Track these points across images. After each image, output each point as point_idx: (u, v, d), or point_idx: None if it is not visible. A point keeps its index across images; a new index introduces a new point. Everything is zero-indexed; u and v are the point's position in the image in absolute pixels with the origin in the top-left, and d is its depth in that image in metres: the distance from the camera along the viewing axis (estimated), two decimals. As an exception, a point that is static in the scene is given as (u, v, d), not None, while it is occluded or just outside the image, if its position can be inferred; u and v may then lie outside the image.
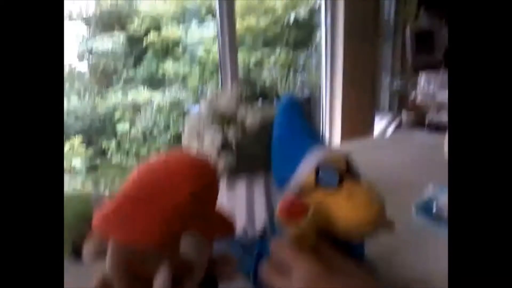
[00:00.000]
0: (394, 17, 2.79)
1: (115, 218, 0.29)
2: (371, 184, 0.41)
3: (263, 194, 0.58)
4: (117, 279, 0.29)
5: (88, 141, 2.69)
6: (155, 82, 2.95)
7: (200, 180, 0.31)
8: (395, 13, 2.78)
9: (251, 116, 0.50)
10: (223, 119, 0.53)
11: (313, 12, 2.65)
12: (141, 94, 2.88)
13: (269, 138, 0.53)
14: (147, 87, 2.90)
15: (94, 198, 0.59)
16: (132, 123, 2.82)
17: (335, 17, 2.38)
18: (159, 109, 2.85)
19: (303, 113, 0.49)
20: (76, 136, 2.59)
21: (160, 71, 2.95)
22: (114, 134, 2.74)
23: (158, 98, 2.86)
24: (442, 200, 0.59)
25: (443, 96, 2.03)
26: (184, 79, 2.96)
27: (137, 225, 0.29)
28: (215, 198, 0.34)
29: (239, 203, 0.59)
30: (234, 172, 0.57)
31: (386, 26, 2.81)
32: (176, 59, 2.98)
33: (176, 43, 2.93)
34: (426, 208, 0.63)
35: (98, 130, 2.74)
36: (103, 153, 2.74)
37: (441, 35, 2.27)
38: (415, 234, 0.60)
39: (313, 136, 0.47)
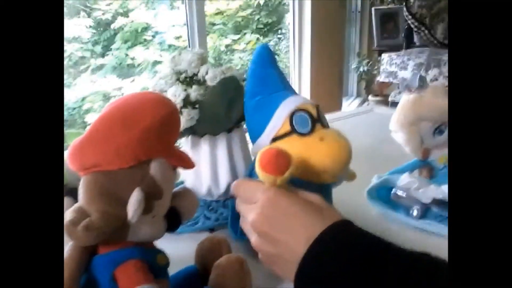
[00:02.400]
0: (361, 1, 2.86)
1: (89, 145, 0.32)
2: (338, 130, 0.45)
3: (227, 154, 0.61)
4: (94, 207, 0.31)
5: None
6: (125, 70, 2.90)
7: (168, 107, 0.35)
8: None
9: (212, 73, 0.53)
10: (185, 78, 0.55)
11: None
12: (111, 82, 2.83)
13: (230, 100, 0.56)
14: (116, 76, 2.84)
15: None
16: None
17: (302, 1, 2.41)
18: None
19: (275, 62, 0.50)
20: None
21: (129, 59, 2.90)
22: (84, 126, 2.69)
23: (128, 86, 2.82)
24: (398, 184, 0.59)
25: (404, 75, 2.12)
26: (154, 66, 2.92)
27: (110, 148, 0.32)
28: (177, 131, 0.37)
29: (203, 163, 0.61)
30: (198, 132, 0.59)
31: (352, 10, 2.88)
32: (146, 45, 2.93)
33: (145, 29, 2.89)
34: (379, 194, 0.62)
35: (67, 122, 2.69)
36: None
37: (403, 17, 2.35)
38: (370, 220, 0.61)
39: (286, 86, 0.49)
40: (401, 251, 0.32)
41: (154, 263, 0.35)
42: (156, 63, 2.88)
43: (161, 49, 2.91)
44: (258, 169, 0.37)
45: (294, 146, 0.43)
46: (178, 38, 2.87)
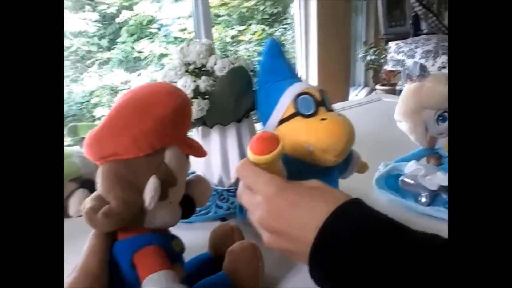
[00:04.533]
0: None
1: (106, 135, 0.33)
2: (342, 113, 0.46)
3: (236, 144, 0.62)
4: (112, 194, 0.33)
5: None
6: (131, 63, 2.90)
7: (180, 97, 0.36)
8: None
9: (220, 64, 0.53)
10: (194, 69, 0.56)
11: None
12: (118, 76, 2.84)
13: (239, 90, 0.57)
14: (123, 69, 2.85)
15: (75, 155, 0.61)
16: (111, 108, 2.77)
17: (308, -10, 2.39)
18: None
19: (283, 53, 0.53)
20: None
21: (136, 52, 2.91)
22: (93, 120, 2.71)
23: (135, 80, 2.83)
24: (405, 172, 0.59)
25: (413, 67, 2.10)
26: (160, 58, 2.93)
27: (126, 137, 0.33)
28: (190, 120, 0.38)
29: (214, 153, 0.62)
30: (208, 123, 0.60)
31: (358, -1, 2.85)
32: (151, 38, 2.93)
33: (150, 22, 2.89)
34: (386, 182, 0.63)
35: (76, 117, 2.70)
36: (82, 140, 2.70)
37: (409, 4, 2.32)
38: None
39: (293, 74, 0.52)
40: (407, 228, 0.32)
41: (170, 248, 0.36)
42: (162, 56, 2.89)
43: (167, 41, 2.91)
44: (248, 152, 0.38)
45: (298, 127, 0.45)
46: (183, 30, 2.87)
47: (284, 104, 0.47)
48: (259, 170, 0.38)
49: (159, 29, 2.90)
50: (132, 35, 2.88)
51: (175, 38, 2.88)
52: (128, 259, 0.33)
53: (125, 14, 2.79)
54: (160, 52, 2.89)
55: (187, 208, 0.38)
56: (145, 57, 2.88)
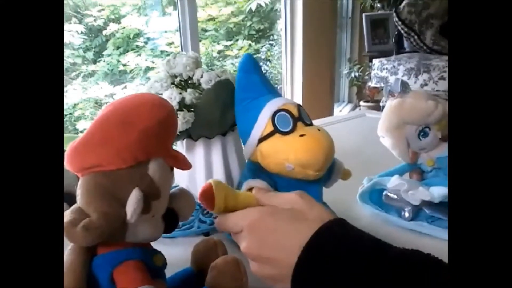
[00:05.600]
0: (352, 7, 2.89)
1: (88, 146, 0.32)
2: (321, 127, 0.47)
3: (221, 157, 0.62)
4: (93, 207, 0.32)
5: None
6: (116, 76, 2.89)
7: (165, 108, 0.35)
8: (352, 3, 2.88)
9: (207, 76, 0.53)
10: (180, 81, 0.56)
11: (275, 1, 2.69)
12: (102, 89, 2.81)
13: (225, 103, 0.57)
14: (108, 82, 2.83)
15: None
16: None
17: (294, 7, 2.44)
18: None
19: (260, 69, 0.53)
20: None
21: (121, 65, 2.89)
22: (75, 133, 2.67)
23: (120, 93, 2.81)
24: (388, 187, 0.60)
25: (395, 84, 2.15)
26: (146, 72, 2.92)
27: (110, 148, 0.32)
28: (175, 132, 0.37)
29: (198, 166, 0.62)
30: (193, 135, 0.60)
31: (343, 17, 2.91)
32: (138, 52, 2.93)
33: (137, 35, 2.89)
34: (370, 196, 0.64)
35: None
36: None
37: (393, 23, 2.38)
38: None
39: (270, 90, 0.52)
40: (389, 245, 0.32)
41: (151, 263, 0.35)
42: (148, 69, 2.88)
43: (153, 55, 2.91)
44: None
45: (277, 145, 0.46)
46: (170, 44, 2.88)
47: (263, 122, 0.47)
48: (233, 215, 0.39)
49: (146, 42, 2.90)
50: (118, 48, 2.87)
51: (162, 52, 2.89)
52: (108, 274, 0.32)
53: (112, 27, 2.79)
54: (146, 66, 2.88)
55: (170, 222, 0.37)
56: (131, 70, 2.87)
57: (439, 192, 0.54)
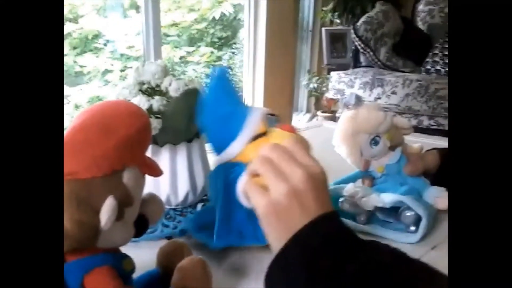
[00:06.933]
0: (312, 21, 2.99)
1: (66, 151, 0.32)
2: None
3: (186, 164, 0.63)
4: (68, 215, 0.32)
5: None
6: (72, 77, 2.79)
7: (143, 117, 0.36)
8: (313, 17, 2.97)
9: (175, 85, 0.55)
10: (148, 88, 0.57)
11: (238, 10, 2.73)
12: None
13: (192, 111, 0.59)
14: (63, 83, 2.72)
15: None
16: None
17: (257, 17, 2.49)
18: (77, 108, 2.70)
19: (232, 84, 0.56)
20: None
21: (78, 66, 2.80)
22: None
23: (76, 95, 2.71)
24: (344, 194, 0.63)
25: (349, 97, 2.26)
26: (104, 75, 2.84)
27: (87, 156, 0.33)
28: (150, 140, 0.38)
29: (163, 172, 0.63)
30: (159, 141, 0.61)
31: (304, 30, 3.01)
32: (96, 53, 2.85)
33: (96, 36, 2.81)
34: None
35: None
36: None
37: (350, 38, 2.50)
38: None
39: (242, 102, 0.55)
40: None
41: (121, 268, 0.36)
42: (106, 72, 2.81)
43: (112, 58, 2.84)
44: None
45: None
46: (131, 47, 2.83)
47: (255, 123, 0.51)
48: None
49: (105, 44, 2.83)
50: (75, 48, 2.77)
51: (122, 55, 2.83)
52: (79, 282, 0.33)
53: (69, 27, 2.69)
54: (105, 68, 2.81)
55: (141, 227, 0.38)
56: (88, 72, 2.78)
57: (389, 198, 0.59)
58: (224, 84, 0.54)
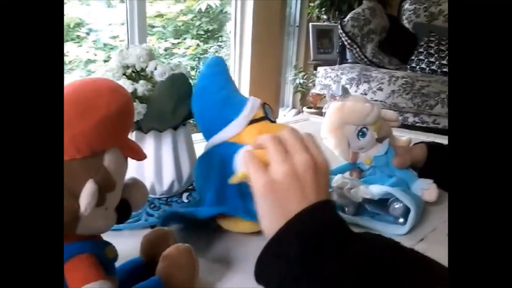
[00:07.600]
0: (299, 16, 2.99)
1: None
2: None
3: (171, 151, 0.61)
4: None
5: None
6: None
7: (125, 97, 0.34)
8: (300, 13, 2.97)
9: (161, 69, 0.53)
10: (132, 72, 0.55)
11: (225, 3, 2.70)
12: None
13: (179, 96, 0.57)
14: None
15: None
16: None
17: (244, 11, 2.47)
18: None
19: (227, 70, 0.57)
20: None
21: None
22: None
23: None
24: (331, 185, 0.61)
25: (336, 88, 2.27)
26: (87, 64, 2.78)
27: (64, 136, 0.30)
28: (132, 120, 0.36)
29: (147, 159, 0.61)
30: (144, 127, 0.59)
31: (291, 25, 3.00)
32: (79, 42, 2.78)
33: (78, 25, 2.74)
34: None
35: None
36: None
37: (337, 34, 2.50)
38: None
39: (236, 89, 0.57)
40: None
41: (103, 256, 0.34)
42: (89, 62, 2.74)
43: (95, 47, 2.77)
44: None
45: (268, 126, 0.54)
46: (114, 37, 2.77)
47: (254, 108, 0.54)
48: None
49: (88, 33, 2.76)
50: (56, 36, 2.70)
51: (105, 44, 2.77)
52: (57, 269, 0.31)
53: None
54: (87, 58, 2.74)
55: (123, 214, 0.37)
56: (70, 62, 2.72)
57: (377, 190, 0.58)
58: (220, 70, 0.56)
